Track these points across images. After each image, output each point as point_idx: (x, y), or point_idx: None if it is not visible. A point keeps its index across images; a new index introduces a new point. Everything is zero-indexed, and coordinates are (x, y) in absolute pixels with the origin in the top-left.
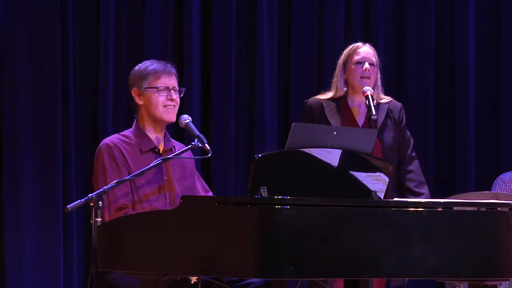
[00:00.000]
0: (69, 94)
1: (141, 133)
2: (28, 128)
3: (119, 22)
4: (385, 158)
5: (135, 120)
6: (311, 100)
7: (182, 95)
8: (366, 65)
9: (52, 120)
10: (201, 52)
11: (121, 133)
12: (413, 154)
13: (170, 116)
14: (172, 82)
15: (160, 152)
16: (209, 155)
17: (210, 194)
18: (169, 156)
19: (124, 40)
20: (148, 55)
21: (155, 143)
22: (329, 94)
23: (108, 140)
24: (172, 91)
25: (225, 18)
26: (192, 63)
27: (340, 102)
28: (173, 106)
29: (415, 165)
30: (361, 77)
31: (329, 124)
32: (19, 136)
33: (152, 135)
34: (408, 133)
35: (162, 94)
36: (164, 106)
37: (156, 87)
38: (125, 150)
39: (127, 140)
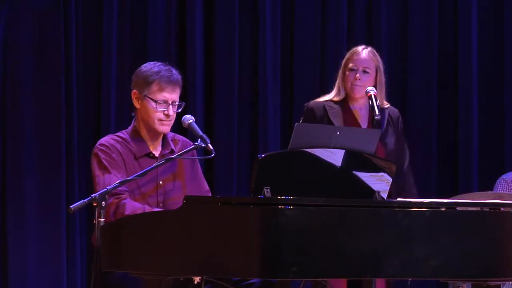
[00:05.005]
0: (72, 94)
1: (136, 136)
2: (31, 128)
3: (122, 23)
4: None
5: (133, 120)
6: (312, 103)
7: (180, 110)
8: (357, 74)
9: (56, 120)
10: (204, 53)
11: (116, 133)
12: (409, 166)
13: (164, 128)
14: (174, 96)
15: (156, 156)
16: (212, 155)
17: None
18: (172, 157)
19: (127, 41)
20: (151, 56)
21: (150, 148)
22: (330, 96)
23: (103, 140)
24: (171, 105)
25: (228, 19)
26: (195, 64)
27: (343, 105)
28: (168, 121)
29: (412, 179)
30: (351, 84)
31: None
32: (23, 136)
33: (147, 138)
34: (405, 143)
35: (160, 108)
36: (159, 120)
37: (156, 100)
38: (121, 150)
39: (123, 142)
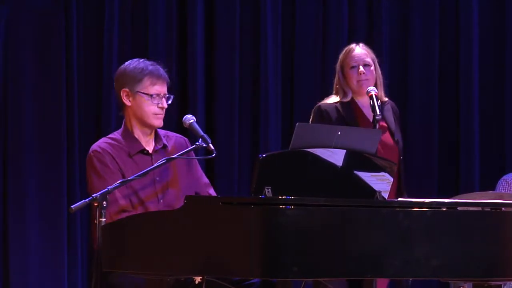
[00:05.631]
0: (74, 94)
1: (128, 135)
2: (32, 128)
3: (123, 22)
4: (402, 160)
5: (123, 121)
6: (324, 105)
7: (170, 102)
8: (361, 68)
9: (57, 120)
10: (204, 53)
11: (109, 136)
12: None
13: (159, 122)
14: (164, 89)
15: (150, 152)
16: (213, 155)
17: (212, 190)
18: (173, 156)
19: (128, 40)
20: (152, 55)
21: (143, 144)
22: (337, 98)
23: (96, 145)
24: (164, 98)
25: (229, 18)
26: (196, 64)
27: (351, 105)
28: (162, 115)
29: (403, 177)
30: (357, 81)
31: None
32: (24, 136)
33: (140, 136)
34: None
35: (154, 101)
36: (154, 114)
37: (150, 94)
38: (114, 154)
39: (115, 143)
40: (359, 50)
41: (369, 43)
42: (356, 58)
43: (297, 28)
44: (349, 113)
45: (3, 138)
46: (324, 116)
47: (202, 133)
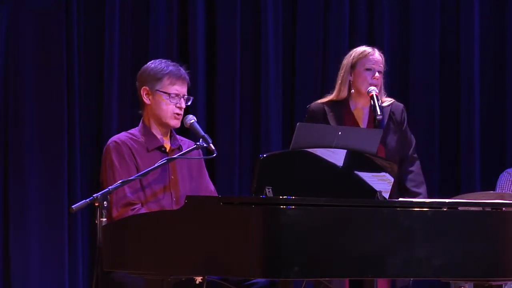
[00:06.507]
0: (74, 95)
1: (147, 132)
2: (33, 127)
3: (124, 23)
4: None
5: (141, 119)
6: (313, 105)
7: (189, 103)
8: (377, 74)
9: (57, 120)
10: (205, 53)
11: (128, 131)
12: (415, 155)
13: (176, 122)
14: (184, 90)
15: (167, 150)
16: (214, 155)
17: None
18: (174, 157)
19: (129, 41)
20: (153, 55)
21: (161, 141)
22: (331, 96)
23: (116, 137)
24: (182, 99)
25: (230, 18)
26: (197, 63)
27: (342, 105)
28: (180, 115)
29: (415, 166)
30: (369, 84)
31: None
32: (24, 135)
33: (158, 133)
34: (410, 133)
35: (173, 101)
36: (172, 114)
37: (169, 93)
38: (132, 148)
39: (135, 138)
40: (378, 55)
41: (370, 43)
42: (374, 61)
43: (298, 28)
44: (336, 113)
45: (4, 138)
46: (312, 116)
47: (203, 133)
